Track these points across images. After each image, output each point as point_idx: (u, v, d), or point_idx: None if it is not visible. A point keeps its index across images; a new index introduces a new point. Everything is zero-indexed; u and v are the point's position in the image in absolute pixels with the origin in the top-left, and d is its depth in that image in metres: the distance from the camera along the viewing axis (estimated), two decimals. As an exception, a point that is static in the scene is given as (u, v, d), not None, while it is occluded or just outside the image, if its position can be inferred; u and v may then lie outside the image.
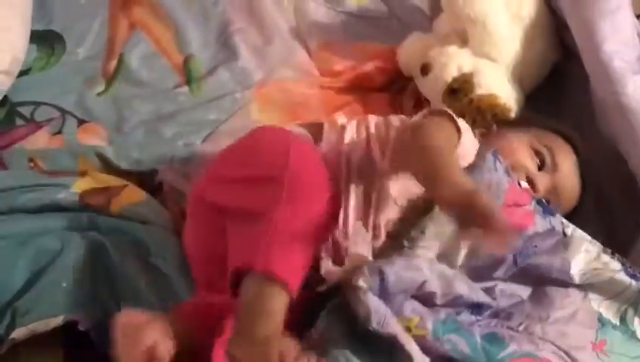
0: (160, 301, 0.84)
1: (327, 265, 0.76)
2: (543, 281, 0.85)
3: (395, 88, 1.20)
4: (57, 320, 0.80)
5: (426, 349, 0.73)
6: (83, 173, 1.00)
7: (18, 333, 0.78)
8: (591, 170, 0.96)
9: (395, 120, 0.93)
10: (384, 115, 1.14)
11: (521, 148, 0.92)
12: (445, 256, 0.82)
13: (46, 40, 1.23)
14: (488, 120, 1.00)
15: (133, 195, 0.96)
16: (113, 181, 1.00)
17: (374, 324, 0.72)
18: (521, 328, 0.80)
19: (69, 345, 0.81)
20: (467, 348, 0.76)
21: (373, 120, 0.94)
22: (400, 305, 0.75)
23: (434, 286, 0.77)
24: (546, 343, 0.79)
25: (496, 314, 0.82)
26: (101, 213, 0.95)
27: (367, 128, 0.92)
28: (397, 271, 0.75)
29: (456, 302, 0.80)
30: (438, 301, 0.78)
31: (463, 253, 0.83)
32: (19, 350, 0.79)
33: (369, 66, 1.19)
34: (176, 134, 1.10)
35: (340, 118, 1.12)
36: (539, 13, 1.08)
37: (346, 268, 0.75)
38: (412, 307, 0.76)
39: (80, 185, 0.98)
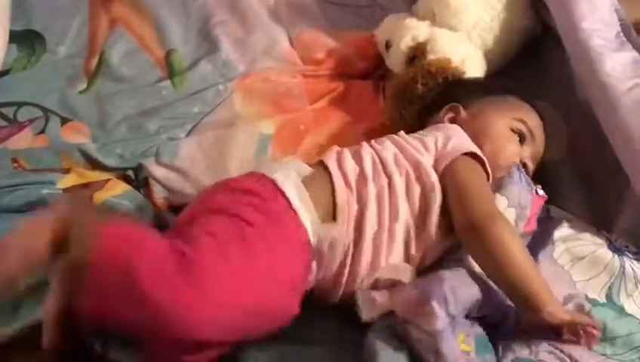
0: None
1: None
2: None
3: (377, 74, 1.21)
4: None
5: None
6: (67, 170, 1.00)
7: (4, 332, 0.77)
8: (574, 145, 0.97)
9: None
10: (369, 100, 1.16)
11: (504, 132, 0.93)
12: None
13: (26, 39, 1.22)
14: (439, 81, 1.04)
15: (115, 188, 0.95)
16: (97, 177, 0.99)
17: None
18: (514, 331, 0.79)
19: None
20: None
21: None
22: (457, 323, 0.73)
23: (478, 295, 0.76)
24: (541, 343, 0.78)
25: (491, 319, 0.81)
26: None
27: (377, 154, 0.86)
28: (454, 288, 0.72)
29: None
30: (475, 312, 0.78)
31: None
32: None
33: (349, 49, 1.20)
34: (160, 128, 1.10)
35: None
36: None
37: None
38: (460, 321, 0.75)
39: (65, 182, 0.97)
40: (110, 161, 1.03)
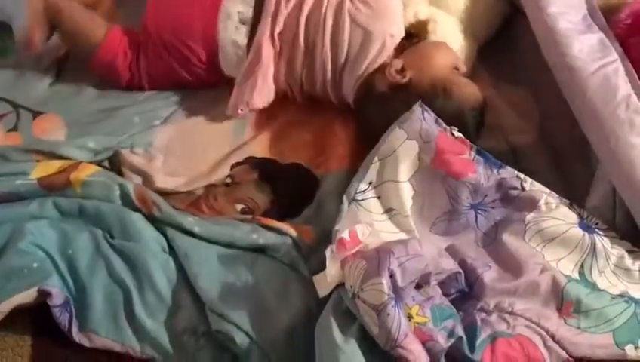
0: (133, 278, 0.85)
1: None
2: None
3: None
4: (32, 293, 0.80)
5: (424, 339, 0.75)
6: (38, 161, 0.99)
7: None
8: (545, 126, 0.99)
9: None
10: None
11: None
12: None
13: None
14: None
15: (89, 168, 0.95)
16: (69, 162, 0.98)
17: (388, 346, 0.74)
18: (492, 306, 0.82)
19: (36, 333, 0.82)
20: (462, 331, 0.78)
21: None
22: (406, 296, 0.77)
23: (430, 266, 0.80)
24: (517, 318, 0.81)
25: (468, 296, 0.85)
26: (64, 192, 0.93)
27: None
28: (401, 262, 0.76)
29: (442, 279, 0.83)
30: (432, 280, 0.81)
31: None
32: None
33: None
34: (134, 116, 1.10)
35: None
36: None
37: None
38: (412, 294, 0.78)
39: (38, 172, 0.96)
40: (83, 156, 1.02)
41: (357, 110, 1.06)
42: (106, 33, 1.11)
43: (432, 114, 0.91)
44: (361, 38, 1.03)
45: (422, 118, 0.92)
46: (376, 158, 0.91)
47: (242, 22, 1.08)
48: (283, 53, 1.06)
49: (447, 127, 0.92)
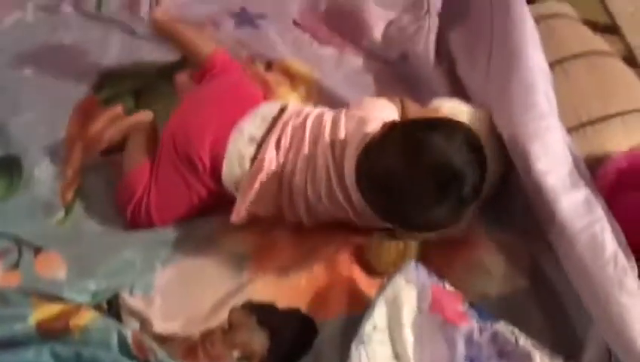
0: None
1: None
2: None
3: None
4: None
5: None
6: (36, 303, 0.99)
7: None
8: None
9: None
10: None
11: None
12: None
13: (4, 166, 1.24)
14: None
15: (89, 314, 0.96)
16: (67, 306, 0.99)
17: None
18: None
19: None
20: None
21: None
22: None
23: None
24: None
25: None
26: (62, 338, 0.94)
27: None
28: None
29: None
30: None
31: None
32: None
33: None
34: (135, 257, 1.11)
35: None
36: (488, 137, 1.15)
37: None
38: None
39: (37, 316, 0.97)
40: (83, 298, 1.04)
41: (360, 185, 1.03)
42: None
43: (423, 271, 0.95)
44: (356, 124, 1.09)
45: (416, 269, 0.95)
46: (382, 301, 0.93)
47: (252, 140, 1.14)
48: (288, 162, 1.11)
49: (440, 280, 0.94)
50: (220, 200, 1.16)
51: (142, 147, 1.21)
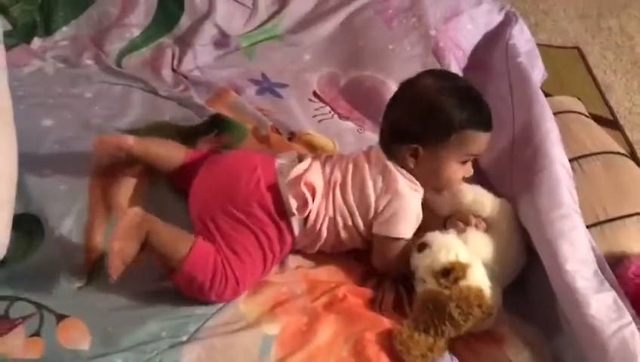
0: None
1: None
2: None
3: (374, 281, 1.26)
4: None
5: None
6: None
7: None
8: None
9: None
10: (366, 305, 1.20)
11: (452, 172, 1.23)
12: None
13: (24, 224, 1.21)
14: (472, 310, 1.08)
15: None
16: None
17: None
18: None
19: None
20: None
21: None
22: None
23: None
24: None
25: None
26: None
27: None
28: None
29: None
30: None
31: None
32: None
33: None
34: (162, 331, 1.09)
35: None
36: (511, 227, 1.21)
37: None
38: None
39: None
40: (111, 373, 1.01)
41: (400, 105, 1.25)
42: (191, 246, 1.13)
43: None
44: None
45: None
46: None
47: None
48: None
49: None
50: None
51: (173, 230, 1.14)
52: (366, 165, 1.22)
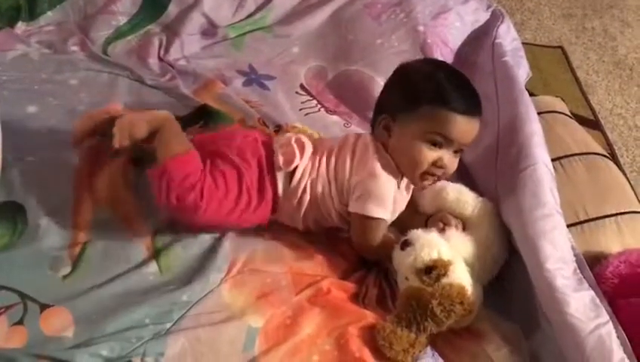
0: None
1: None
2: None
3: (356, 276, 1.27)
4: None
5: None
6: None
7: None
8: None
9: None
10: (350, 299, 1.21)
11: (418, 151, 1.19)
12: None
13: (7, 213, 1.20)
14: (454, 307, 1.10)
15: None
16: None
17: None
18: None
19: None
20: None
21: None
22: None
23: None
24: None
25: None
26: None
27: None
28: None
29: None
30: None
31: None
32: None
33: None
34: (145, 318, 1.09)
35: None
36: (492, 226, 1.23)
37: None
38: None
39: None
40: (93, 364, 1.01)
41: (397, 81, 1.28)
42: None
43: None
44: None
45: (433, 358, 1.00)
46: None
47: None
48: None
49: None
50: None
51: (181, 136, 1.23)
52: (351, 143, 1.27)
